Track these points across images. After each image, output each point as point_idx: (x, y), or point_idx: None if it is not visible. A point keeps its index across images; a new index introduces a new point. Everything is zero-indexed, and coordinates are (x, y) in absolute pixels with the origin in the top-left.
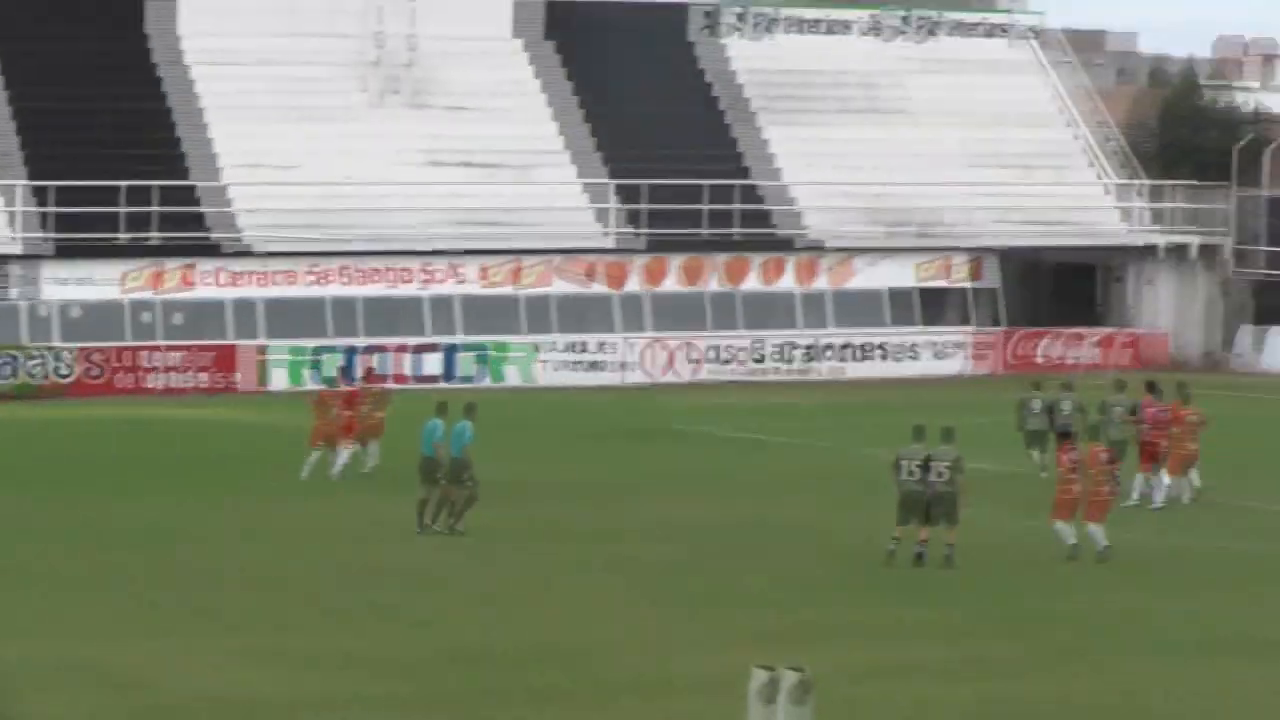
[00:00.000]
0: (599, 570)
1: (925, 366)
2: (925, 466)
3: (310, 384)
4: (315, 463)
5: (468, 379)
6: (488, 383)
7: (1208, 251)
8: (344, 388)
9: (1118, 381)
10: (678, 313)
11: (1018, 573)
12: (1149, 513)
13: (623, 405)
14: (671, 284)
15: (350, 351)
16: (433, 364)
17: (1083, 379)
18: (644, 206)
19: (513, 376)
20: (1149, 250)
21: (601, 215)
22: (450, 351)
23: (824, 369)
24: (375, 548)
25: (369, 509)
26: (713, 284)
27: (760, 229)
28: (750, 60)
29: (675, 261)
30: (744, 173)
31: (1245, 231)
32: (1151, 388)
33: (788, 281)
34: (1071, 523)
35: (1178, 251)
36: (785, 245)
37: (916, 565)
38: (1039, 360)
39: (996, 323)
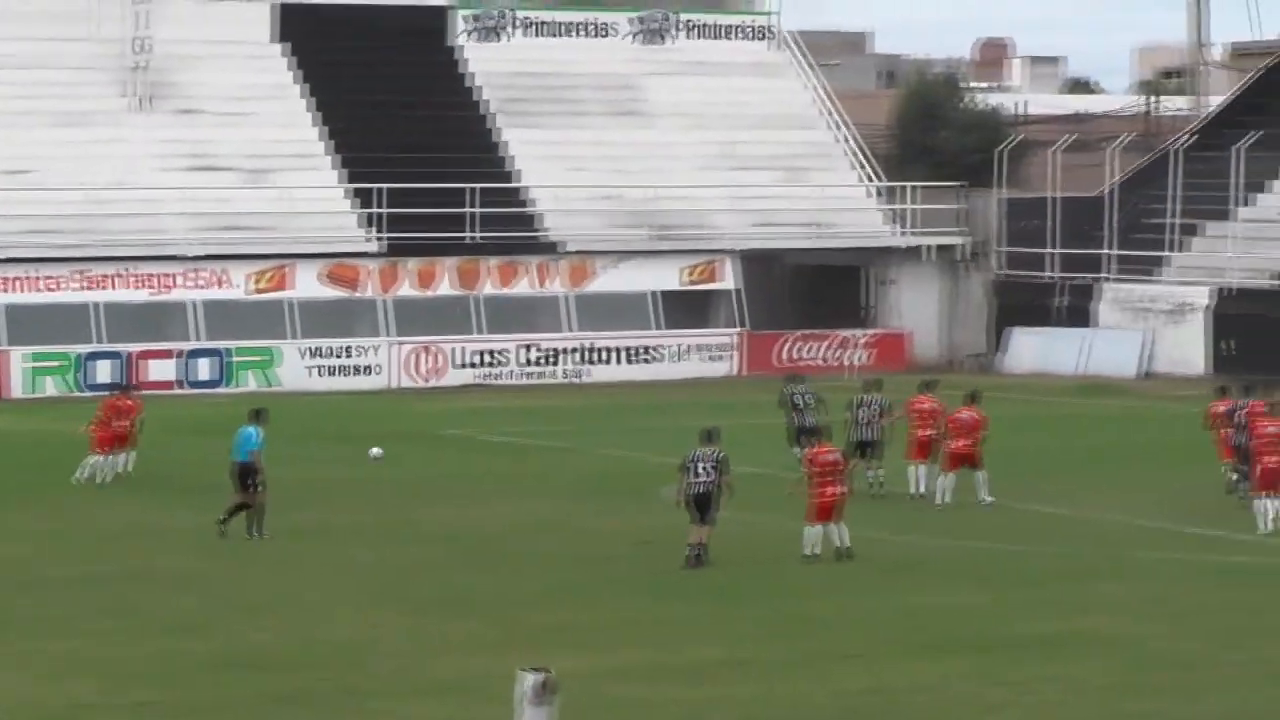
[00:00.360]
0: (360, 573)
1: (685, 369)
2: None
3: (74, 391)
4: (92, 466)
5: (236, 384)
6: (253, 387)
7: (947, 252)
8: (122, 395)
9: (868, 382)
10: (445, 316)
11: (788, 573)
12: (913, 513)
13: (387, 410)
14: (440, 287)
15: (116, 357)
16: (200, 370)
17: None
18: (410, 210)
19: (278, 381)
20: (903, 251)
21: (365, 220)
22: (216, 357)
23: (574, 372)
24: (135, 552)
25: (127, 515)
26: (482, 287)
27: (526, 232)
28: (510, 64)
29: (444, 265)
30: (508, 176)
31: (988, 232)
32: (928, 385)
33: (553, 286)
34: (830, 524)
35: (934, 252)
36: (550, 249)
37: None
38: (783, 362)
39: (741, 325)
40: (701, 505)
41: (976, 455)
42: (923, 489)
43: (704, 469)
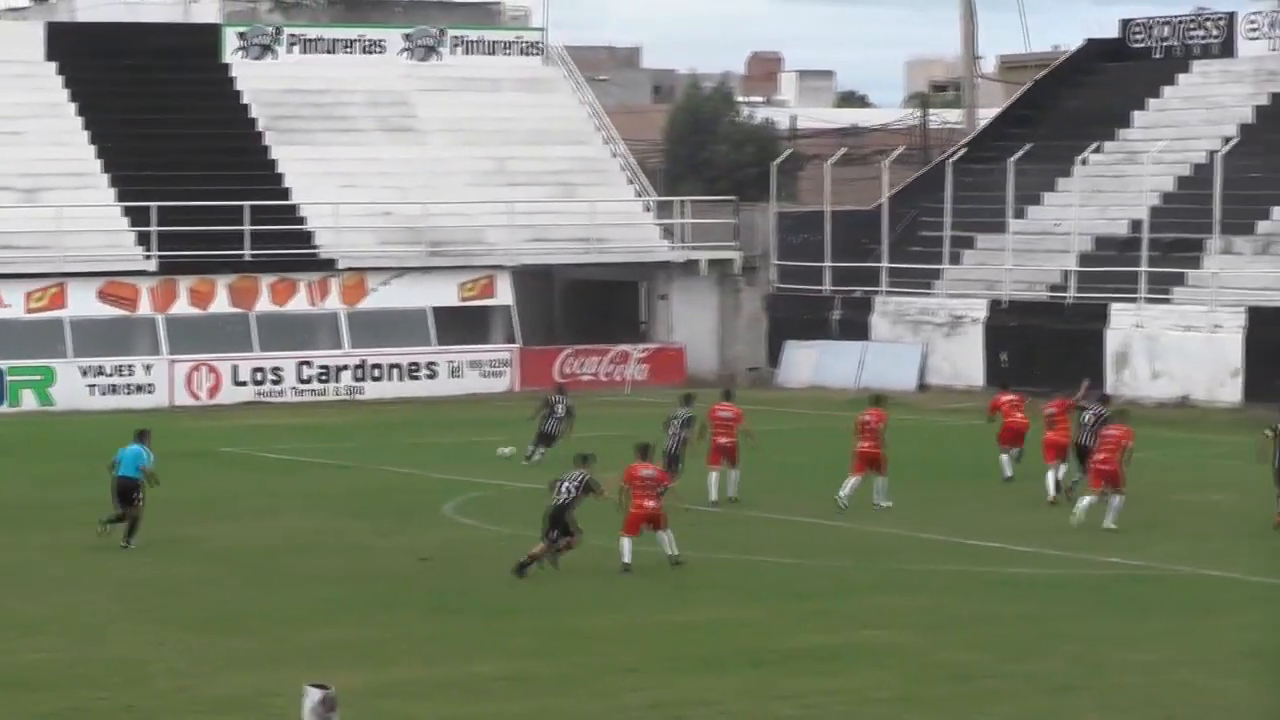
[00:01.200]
0: (138, 591)
1: (461, 385)
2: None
3: None
4: None
5: (13, 404)
6: (34, 406)
7: (722, 266)
8: None
9: (683, 396)
10: (221, 334)
11: (564, 588)
12: (689, 527)
13: (164, 428)
14: (216, 305)
15: None
16: None
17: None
18: (185, 229)
19: (55, 400)
20: (678, 266)
21: (140, 238)
22: None
23: (350, 389)
24: None
25: None
26: (258, 305)
27: (301, 250)
28: (282, 81)
29: (220, 283)
30: (282, 194)
31: (762, 246)
32: (728, 394)
33: (329, 303)
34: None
35: (708, 267)
36: (325, 266)
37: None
38: (564, 377)
39: (517, 341)
40: (553, 520)
41: (881, 459)
42: (719, 495)
43: (566, 488)
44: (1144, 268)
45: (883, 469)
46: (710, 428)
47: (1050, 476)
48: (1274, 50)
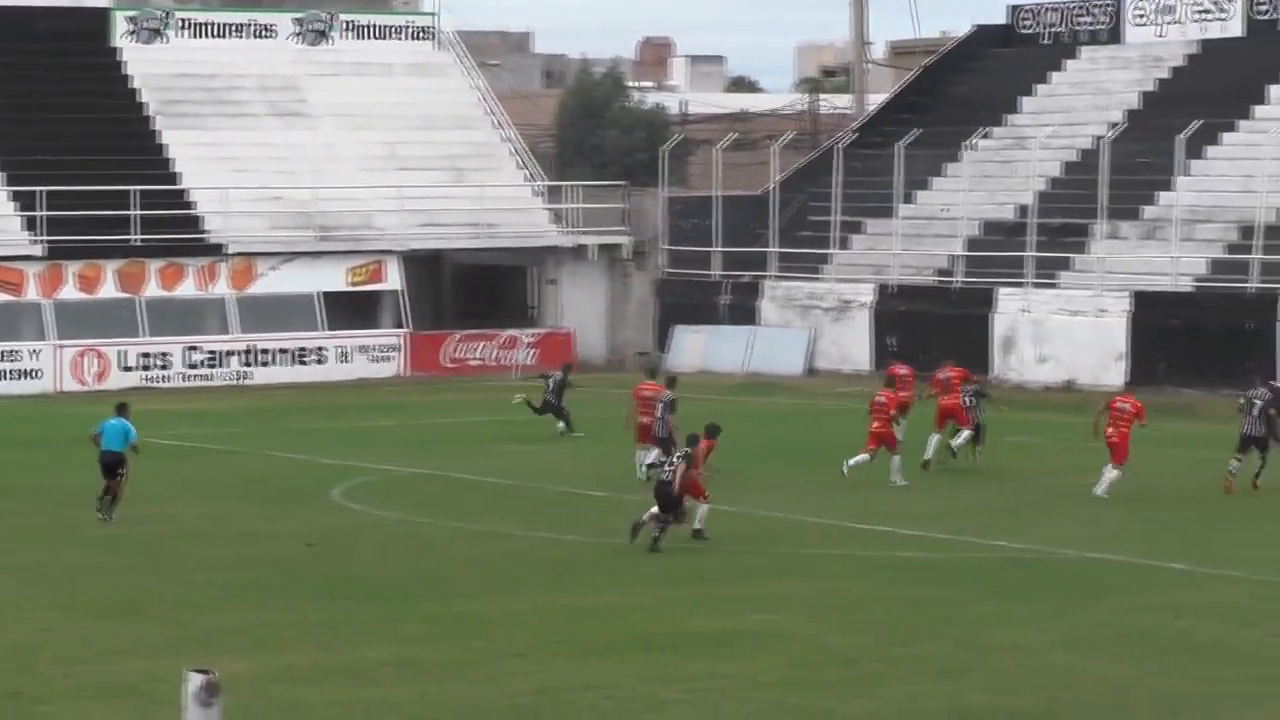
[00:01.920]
0: (26, 576)
1: (350, 370)
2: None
3: None
4: None
5: None
6: None
7: (611, 251)
8: None
9: (669, 379)
10: (109, 319)
11: (454, 573)
12: (574, 512)
13: (51, 413)
14: (103, 290)
15: None
16: None
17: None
18: (73, 214)
19: None
20: (568, 250)
21: (27, 223)
22: None
23: (239, 374)
24: None
25: None
26: (146, 290)
27: (189, 234)
28: (172, 65)
29: (108, 268)
30: (171, 178)
31: (652, 231)
32: (652, 373)
33: (217, 288)
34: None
35: (598, 252)
36: (214, 251)
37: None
38: (451, 361)
39: (406, 326)
40: (661, 497)
41: (890, 436)
42: (645, 474)
43: (670, 466)
44: (1031, 252)
45: (895, 448)
46: (635, 406)
47: (934, 440)
48: (1161, 37)
